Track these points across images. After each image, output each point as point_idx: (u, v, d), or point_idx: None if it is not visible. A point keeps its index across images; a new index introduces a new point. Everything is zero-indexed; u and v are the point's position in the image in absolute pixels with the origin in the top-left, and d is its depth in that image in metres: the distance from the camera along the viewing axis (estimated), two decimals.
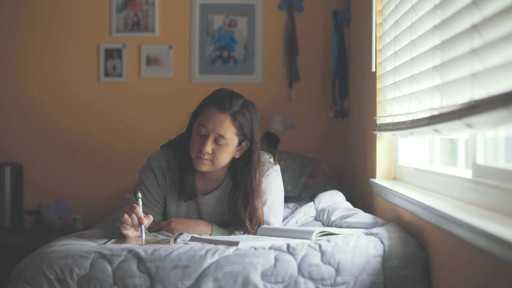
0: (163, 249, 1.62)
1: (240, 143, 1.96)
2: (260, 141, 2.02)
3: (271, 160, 2.07)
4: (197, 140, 1.92)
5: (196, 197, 2.04)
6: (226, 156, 1.93)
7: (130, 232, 1.80)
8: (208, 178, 2.03)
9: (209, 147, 1.89)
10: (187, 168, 1.99)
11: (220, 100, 1.91)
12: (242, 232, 1.98)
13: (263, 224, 1.98)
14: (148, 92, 3.65)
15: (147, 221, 1.80)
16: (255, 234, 1.94)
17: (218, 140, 1.90)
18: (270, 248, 1.63)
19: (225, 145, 1.91)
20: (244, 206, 1.96)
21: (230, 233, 1.98)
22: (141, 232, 1.78)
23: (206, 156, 1.91)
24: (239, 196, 1.97)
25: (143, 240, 1.77)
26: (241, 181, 1.98)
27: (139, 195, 1.87)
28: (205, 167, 1.93)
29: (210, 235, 1.95)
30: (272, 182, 2.04)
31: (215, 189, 2.05)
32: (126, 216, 1.78)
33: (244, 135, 1.94)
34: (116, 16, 3.62)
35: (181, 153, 2.01)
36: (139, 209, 1.80)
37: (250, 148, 1.97)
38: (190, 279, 1.55)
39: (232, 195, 2.00)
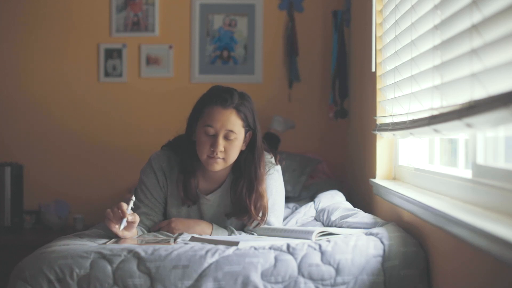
0: (163, 249, 1.62)
1: (245, 134, 1.96)
2: (261, 134, 2.03)
3: (272, 160, 2.08)
4: (207, 141, 1.91)
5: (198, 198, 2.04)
6: (236, 150, 1.94)
7: (116, 229, 1.79)
8: (211, 179, 2.04)
9: (221, 145, 1.90)
10: (190, 172, 1.99)
11: (221, 96, 1.92)
12: (242, 232, 1.98)
13: (267, 213, 1.98)
14: (148, 92, 3.64)
15: (132, 217, 1.79)
16: (259, 221, 1.95)
17: (228, 136, 1.91)
18: (270, 248, 1.63)
19: (235, 140, 1.92)
20: (249, 194, 1.97)
21: (231, 233, 1.98)
22: (121, 224, 1.78)
23: (219, 155, 1.91)
24: (243, 184, 1.98)
25: (120, 229, 1.77)
26: (245, 169, 1.99)
27: (133, 198, 1.87)
28: (219, 166, 1.93)
29: (211, 235, 1.95)
30: (274, 182, 2.05)
31: (216, 188, 2.05)
32: (108, 210, 1.78)
33: (248, 126, 1.96)
34: (116, 16, 3.62)
35: (183, 157, 2.00)
36: (127, 207, 1.79)
37: (253, 137, 1.99)
38: (190, 279, 1.55)
39: (235, 186, 2.00)
